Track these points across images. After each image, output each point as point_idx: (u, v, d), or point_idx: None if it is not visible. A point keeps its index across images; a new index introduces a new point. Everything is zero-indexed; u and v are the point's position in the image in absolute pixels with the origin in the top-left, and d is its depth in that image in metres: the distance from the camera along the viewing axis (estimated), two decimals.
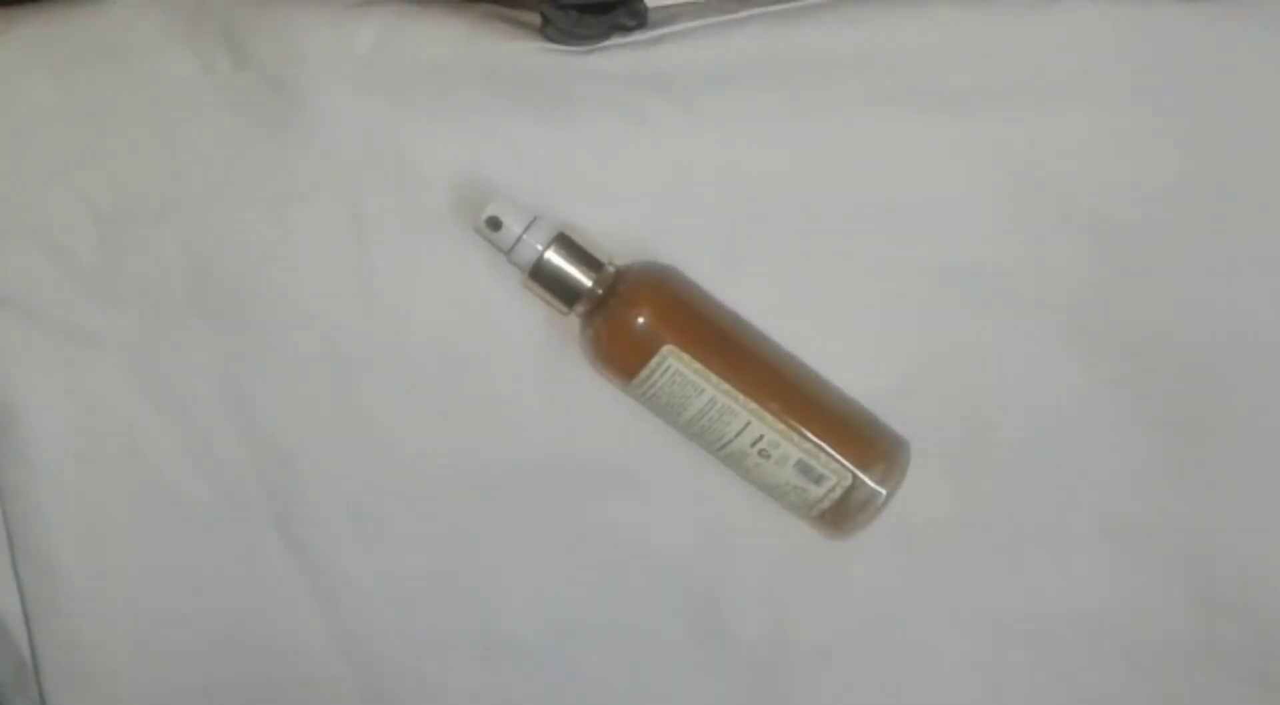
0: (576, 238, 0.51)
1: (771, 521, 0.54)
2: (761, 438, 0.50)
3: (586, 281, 0.51)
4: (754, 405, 0.50)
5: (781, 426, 0.50)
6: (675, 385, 0.50)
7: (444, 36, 0.53)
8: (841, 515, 0.51)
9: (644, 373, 0.50)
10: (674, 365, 0.50)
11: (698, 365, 0.50)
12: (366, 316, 0.54)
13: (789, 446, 0.50)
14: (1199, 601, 0.54)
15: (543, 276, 0.51)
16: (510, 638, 0.56)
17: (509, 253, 0.51)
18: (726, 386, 0.50)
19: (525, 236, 0.51)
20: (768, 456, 0.50)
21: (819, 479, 0.50)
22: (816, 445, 0.50)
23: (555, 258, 0.51)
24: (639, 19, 0.53)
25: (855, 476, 0.50)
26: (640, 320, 0.50)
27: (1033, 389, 0.54)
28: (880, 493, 0.51)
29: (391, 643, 0.56)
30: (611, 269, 0.52)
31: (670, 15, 0.54)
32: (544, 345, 0.54)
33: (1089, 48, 0.51)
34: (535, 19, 0.54)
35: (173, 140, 0.54)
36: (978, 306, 0.53)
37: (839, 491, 0.50)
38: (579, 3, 0.51)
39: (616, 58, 0.53)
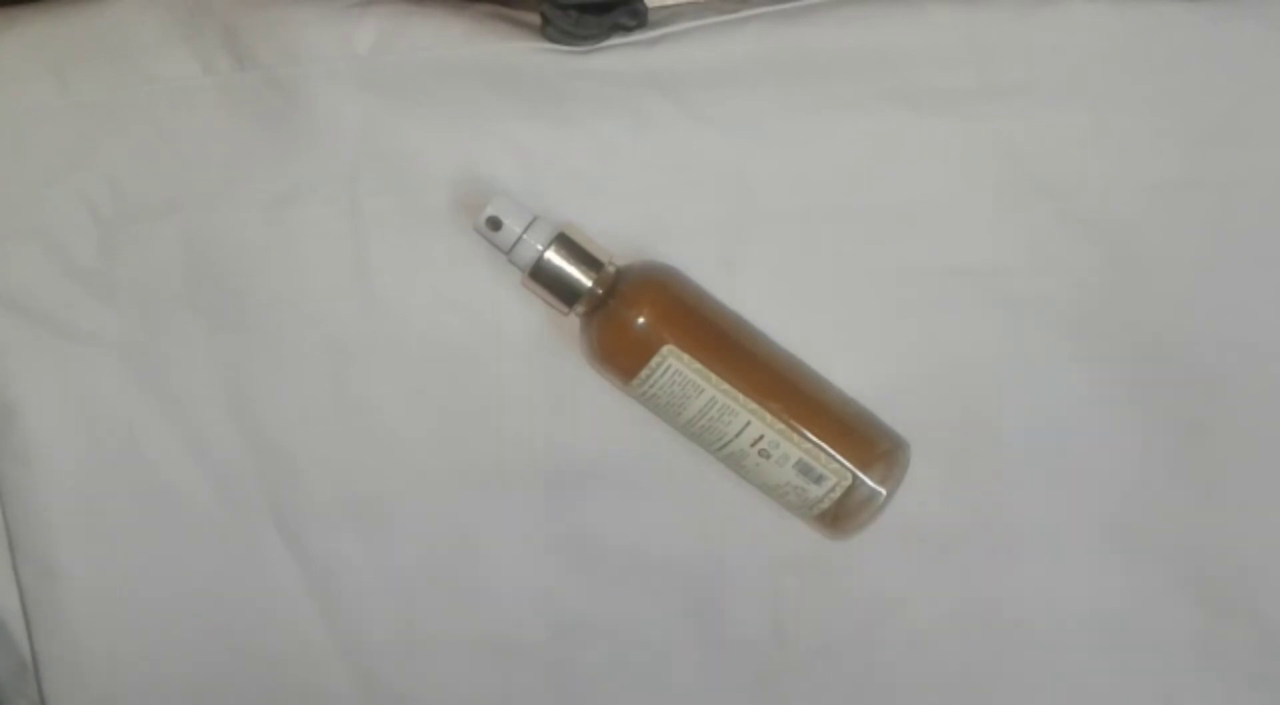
0: (576, 237, 0.51)
1: (771, 521, 0.54)
2: (761, 438, 0.50)
3: (586, 281, 0.51)
4: (754, 405, 0.50)
5: (781, 426, 0.50)
6: (675, 385, 0.50)
7: (444, 36, 0.53)
8: (841, 515, 0.51)
9: (644, 373, 0.50)
10: (674, 365, 0.50)
11: (698, 365, 0.50)
12: (366, 316, 0.54)
13: (789, 446, 0.50)
14: (1199, 601, 0.54)
15: (543, 276, 0.51)
16: (510, 637, 0.56)
17: (509, 253, 0.51)
18: (726, 386, 0.50)
19: (525, 236, 0.51)
20: (768, 456, 0.50)
21: (819, 479, 0.50)
22: (816, 445, 0.50)
23: (555, 258, 0.51)
24: (639, 19, 0.53)
25: (855, 476, 0.50)
26: (640, 320, 0.50)
27: (1033, 389, 0.54)
28: (880, 493, 0.51)
29: (391, 642, 0.56)
30: (611, 269, 0.52)
31: (670, 15, 0.54)
32: (544, 345, 0.54)
33: (1089, 48, 0.52)
34: (535, 19, 0.54)
35: (173, 140, 0.54)
36: (978, 306, 0.53)
37: (839, 491, 0.50)
38: (579, 3, 0.51)
39: (616, 58, 0.53)
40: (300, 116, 0.53)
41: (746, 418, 0.50)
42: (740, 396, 0.50)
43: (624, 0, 0.52)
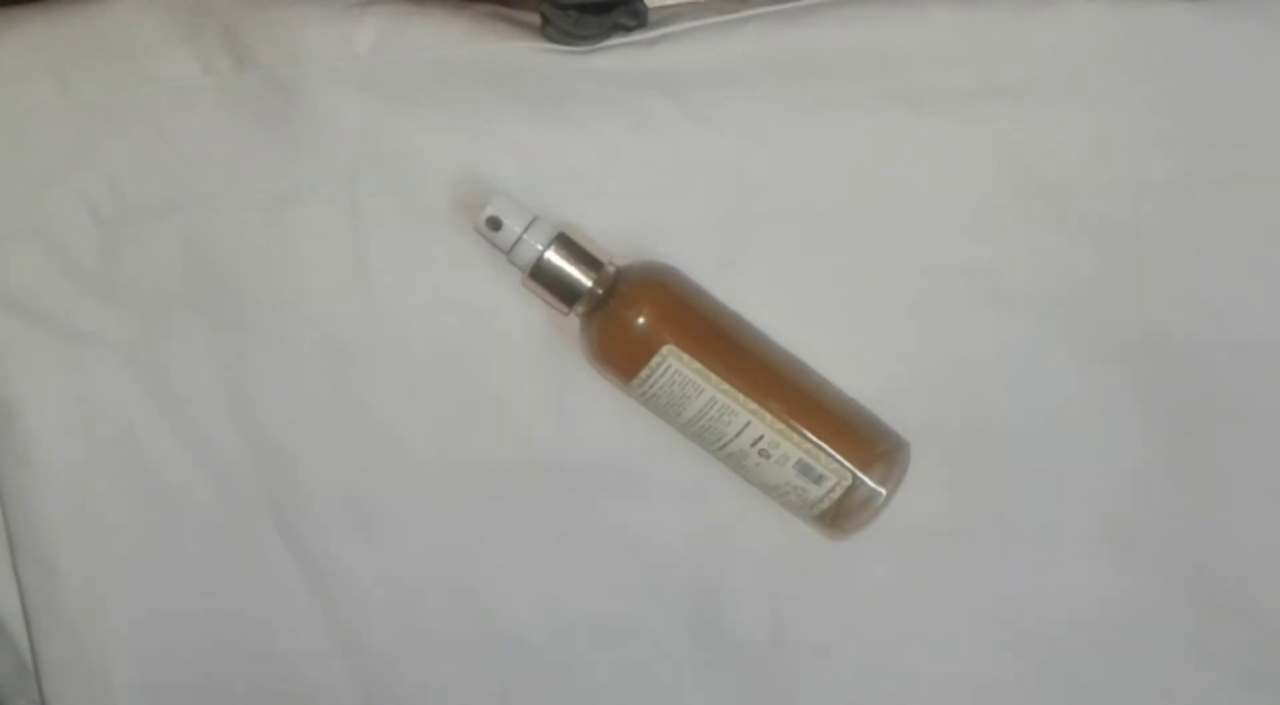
0: (576, 237, 0.51)
1: (771, 521, 0.54)
2: (761, 438, 0.50)
3: (586, 281, 0.51)
4: (754, 405, 0.50)
5: (781, 426, 0.50)
6: (675, 385, 0.50)
7: (444, 36, 0.53)
8: (841, 515, 0.51)
9: (644, 373, 0.50)
10: (674, 365, 0.50)
11: (698, 365, 0.50)
12: (366, 316, 0.54)
13: (789, 446, 0.50)
14: (1199, 601, 0.54)
15: (543, 276, 0.51)
16: (510, 637, 0.56)
17: (509, 253, 0.51)
18: (726, 386, 0.50)
19: (525, 236, 0.51)
20: (768, 456, 0.50)
21: (819, 479, 0.50)
22: (816, 445, 0.50)
23: (555, 258, 0.51)
24: (639, 19, 0.53)
25: (855, 476, 0.50)
26: (640, 320, 0.50)
27: (1032, 389, 0.54)
28: (880, 493, 0.51)
29: (391, 642, 0.56)
30: (611, 269, 0.52)
31: (670, 15, 0.54)
32: (544, 345, 0.54)
33: (1089, 48, 0.52)
34: (535, 19, 0.54)
35: (173, 140, 0.54)
36: (977, 306, 0.53)
37: (839, 491, 0.50)
38: (579, 3, 0.51)
39: (616, 58, 0.53)
40: (300, 116, 0.53)
41: (746, 418, 0.50)
42: (740, 396, 0.50)
43: (624, 0, 0.52)
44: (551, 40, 0.53)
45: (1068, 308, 0.53)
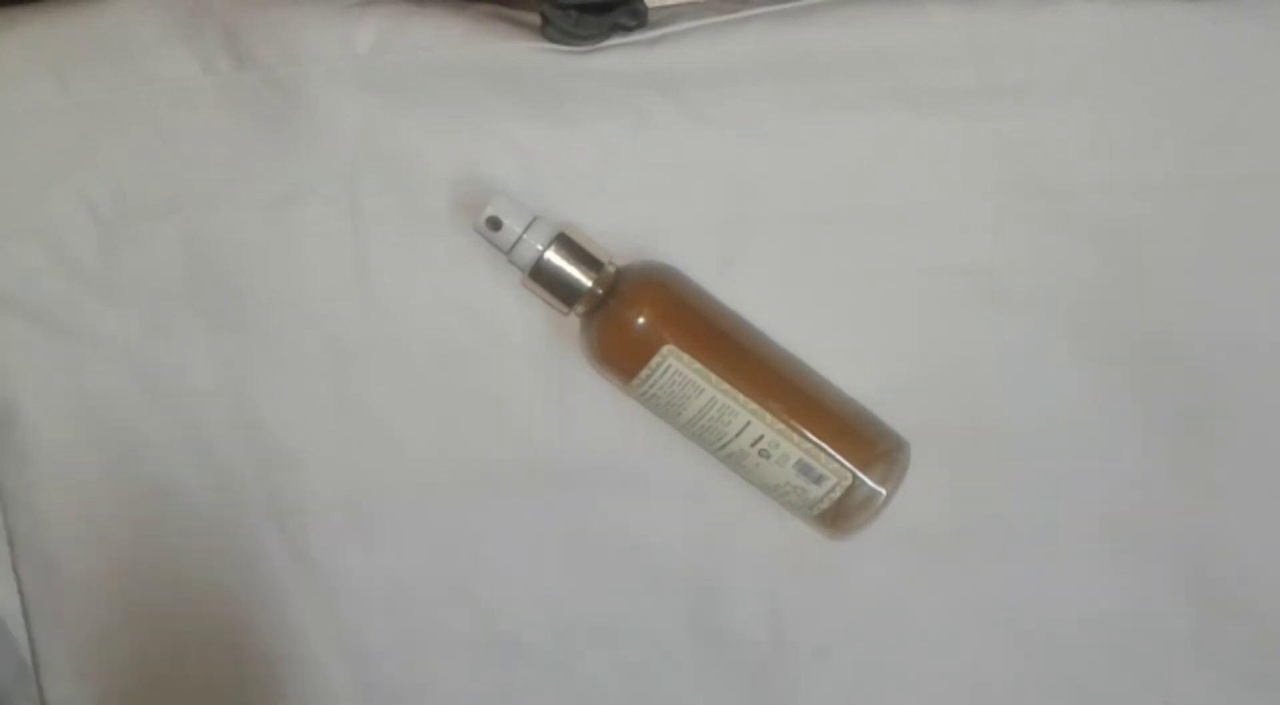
0: (576, 237, 0.51)
1: (771, 521, 0.54)
2: (761, 438, 0.50)
3: (586, 281, 0.51)
4: (754, 405, 0.50)
5: (781, 426, 0.50)
6: (675, 385, 0.50)
7: (444, 36, 0.53)
8: (841, 515, 0.51)
9: (644, 373, 0.50)
10: (674, 365, 0.50)
11: (698, 365, 0.50)
12: (366, 316, 0.54)
13: (789, 446, 0.50)
14: (1199, 601, 0.54)
15: (543, 276, 0.51)
16: (510, 637, 0.56)
17: (509, 253, 0.51)
18: (726, 386, 0.50)
19: (525, 236, 0.51)
20: (768, 456, 0.50)
21: (819, 479, 0.50)
22: (816, 445, 0.50)
23: (555, 258, 0.51)
24: (639, 19, 0.53)
25: (855, 476, 0.50)
26: (640, 320, 0.50)
27: (1032, 389, 0.54)
28: (880, 493, 0.51)
29: (391, 643, 0.56)
30: (611, 269, 0.52)
31: (670, 15, 0.54)
32: (544, 345, 0.54)
33: (1089, 48, 0.52)
34: (535, 19, 0.54)
35: (173, 140, 0.54)
36: (978, 306, 0.53)
37: (839, 491, 0.50)
38: (579, 3, 0.51)
39: (616, 58, 0.53)
40: (300, 116, 0.53)
41: (746, 418, 0.50)
42: (740, 396, 0.50)
43: (624, 0, 0.52)
44: (551, 40, 0.53)
45: (1068, 308, 0.53)
